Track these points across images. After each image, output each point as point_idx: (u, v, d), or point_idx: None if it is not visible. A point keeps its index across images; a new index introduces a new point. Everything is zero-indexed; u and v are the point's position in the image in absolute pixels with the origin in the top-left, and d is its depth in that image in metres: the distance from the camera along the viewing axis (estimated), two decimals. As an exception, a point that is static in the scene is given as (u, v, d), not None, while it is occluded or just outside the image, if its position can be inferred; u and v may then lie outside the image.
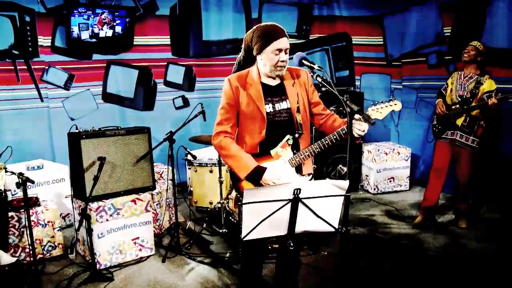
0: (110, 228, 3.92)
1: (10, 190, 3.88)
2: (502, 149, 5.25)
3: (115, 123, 5.01)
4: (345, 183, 2.06)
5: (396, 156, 6.16)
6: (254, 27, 2.63)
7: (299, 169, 2.70)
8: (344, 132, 2.55)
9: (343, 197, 2.10)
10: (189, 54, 6.44)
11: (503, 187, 5.10)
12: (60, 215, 4.58)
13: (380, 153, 6.08)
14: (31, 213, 3.80)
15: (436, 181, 4.79)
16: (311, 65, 2.55)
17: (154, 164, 4.41)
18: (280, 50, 2.54)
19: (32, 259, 3.50)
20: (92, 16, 5.69)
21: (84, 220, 3.66)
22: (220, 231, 4.54)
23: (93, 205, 3.81)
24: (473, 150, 4.53)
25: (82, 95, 5.86)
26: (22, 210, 3.92)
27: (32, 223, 3.72)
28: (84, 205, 3.69)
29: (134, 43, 6.09)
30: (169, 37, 6.30)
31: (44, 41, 5.54)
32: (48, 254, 4.10)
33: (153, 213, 4.37)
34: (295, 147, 2.68)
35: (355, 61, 7.10)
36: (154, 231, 4.34)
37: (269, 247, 3.64)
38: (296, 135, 2.66)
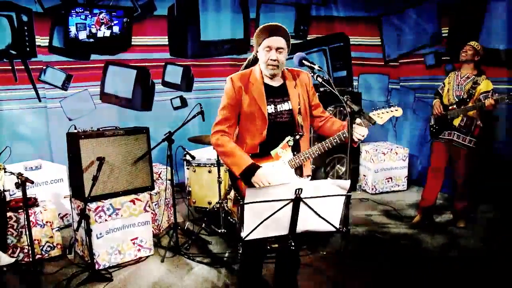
0: (109, 228, 3.91)
1: (8, 190, 3.87)
2: (498, 148, 5.27)
3: (113, 123, 5.00)
4: (347, 183, 2.07)
5: (394, 156, 6.17)
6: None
7: (298, 171, 2.71)
8: (344, 136, 2.56)
9: (344, 197, 2.11)
10: (187, 54, 6.44)
11: (500, 187, 5.12)
12: (58, 215, 4.57)
13: (378, 153, 6.10)
14: (29, 214, 3.78)
15: (434, 181, 4.81)
16: (311, 65, 2.56)
17: (153, 164, 4.40)
18: (270, 48, 2.57)
19: (30, 259, 3.49)
20: (90, 16, 5.68)
21: (83, 220, 3.65)
22: (219, 231, 4.54)
23: (92, 205, 3.81)
24: (470, 150, 4.54)
25: (80, 95, 5.85)
26: (21, 210, 3.91)
27: (31, 224, 3.70)
28: (83, 205, 3.68)
29: (132, 43, 6.08)
30: (167, 37, 6.29)
31: (41, 41, 5.52)
32: (46, 255, 4.09)
33: (151, 213, 4.37)
34: (295, 149, 2.69)
35: (352, 62, 7.11)
36: (152, 231, 4.33)
37: (269, 247, 3.65)
38: (297, 137, 2.66)
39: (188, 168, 5.16)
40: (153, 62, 6.27)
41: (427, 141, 5.06)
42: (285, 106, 2.69)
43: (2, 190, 3.64)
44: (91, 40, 5.75)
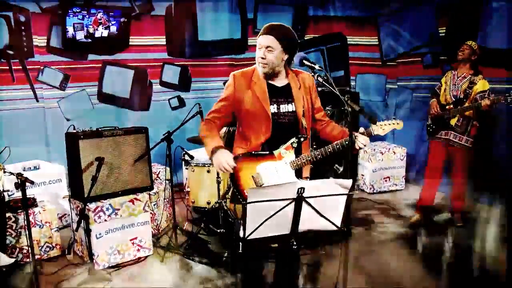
0: (108, 228, 3.91)
1: (8, 190, 3.85)
2: (496, 148, 5.30)
3: (111, 123, 4.99)
4: (349, 182, 2.07)
5: (392, 156, 6.19)
6: None
7: (298, 172, 2.72)
8: (347, 143, 2.58)
9: (346, 196, 2.12)
10: (185, 54, 6.43)
11: (498, 186, 5.15)
12: (57, 215, 4.56)
13: (375, 153, 6.11)
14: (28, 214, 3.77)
15: (431, 180, 4.83)
16: (312, 65, 2.57)
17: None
18: (260, 46, 2.61)
19: (29, 260, 3.49)
20: (87, 16, 5.67)
21: (82, 220, 3.65)
22: (218, 231, 4.54)
23: (91, 206, 3.80)
24: (467, 149, 4.57)
25: (77, 95, 5.83)
26: (20, 211, 3.91)
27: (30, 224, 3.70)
28: (82, 205, 3.68)
29: (130, 43, 6.07)
30: (164, 37, 6.28)
31: (39, 41, 5.51)
32: (45, 255, 4.09)
33: (150, 213, 4.37)
34: (297, 151, 2.70)
35: (350, 61, 7.13)
36: (152, 231, 4.33)
37: (269, 246, 3.65)
38: (302, 139, 2.67)
39: (187, 168, 5.16)
40: (150, 62, 6.26)
41: (424, 140, 5.07)
42: (288, 108, 2.70)
43: (1, 190, 3.63)
44: (89, 40, 5.73)
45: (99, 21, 5.74)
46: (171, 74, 6.40)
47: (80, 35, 5.68)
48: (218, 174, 4.53)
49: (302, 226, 2.18)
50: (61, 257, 4.15)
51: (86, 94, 5.90)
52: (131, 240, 4.05)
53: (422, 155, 6.07)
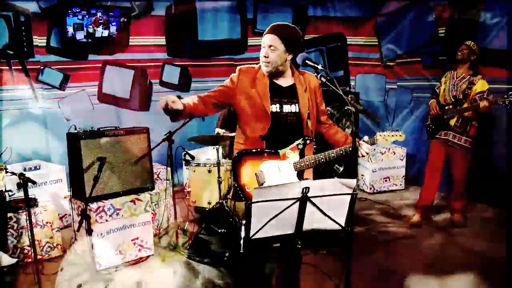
0: (109, 228, 3.91)
1: (10, 190, 3.84)
2: (495, 148, 5.32)
3: (111, 123, 5.00)
4: (353, 182, 2.08)
5: (392, 156, 6.21)
6: None
7: (300, 174, 2.72)
8: (350, 149, 2.60)
9: (350, 196, 2.12)
10: (185, 54, 6.44)
11: (498, 186, 5.17)
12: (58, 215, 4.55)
13: (375, 153, 6.12)
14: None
15: (431, 180, 4.84)
16: (315, 65, 2.57)
17: (152, 164, 4.40)
18: (264, 45, 2.63)
19: (30, 260, 3.49)
20: (87, 16, 5.66)
21: (84, 220, 3.64)
22: (219, 231, 4.54)
23: (93, 206, 3.80)
24: (466, 149, 4.58)
25: (77, 95, 5.83)
26: (21, 211, 3.90)
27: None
28: (84, 205, 3.67)
29: (130, 43, 6.08)
30: (164, 37, 6.29)
31: (39, 41, 5.50)
32: (46, 255, 4.09)
33: (151, 213, 4.36)
34: (301, 152, 2.70)
35: (350, 62, 7.14)
36: (153, 231, 4.33)
37: (271, 246, 3.65)
38: (308, 141, 2.68)
39: (187, 168, 5.16)
40: (150, 62, 6.27)
41: (424, 139, 5.09)
42: (292, 108, 2.70)
43: (3, 190, 3.63)
44: (89, 40, 5.73)
45: (99, 21, 5.73)
46: (171, 74, 6.40)
47: (80, 35, 5.67)
48: (219, 174, 4.53)
49: (306, 226, 2.18)
50: (62, 257, 4.14)
51: (86, 94, 5.90)
52: (132, 240, 4.04)
53: (422, 155, 6.08)
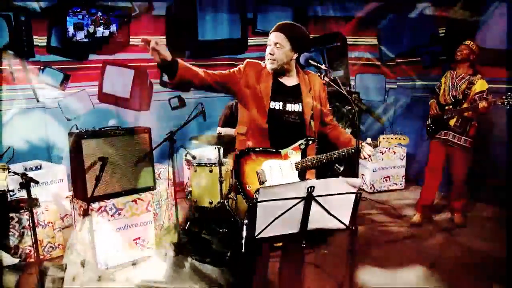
0: (111, 228, 3.90)
1: (13, 190, 3.84)
2: (494, 148, 5.34)
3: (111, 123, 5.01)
4: (358, 181, 2.09)
5: (392, 155, 6.22)
6: None
7: (302, 174, 2.73)
8: (352, 151, 2.62)
9: (354, 195, 2.13)
10: (185, 54, 6.43)
11: (498, 186, 5.18)
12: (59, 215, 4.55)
13: (376, 152, 6.13)
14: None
15: (431, 180, 4.85)
16: (318, 65, 2.58)
17: (153, 164, 4.40)
18: (270, 43, 2.65)
19: (32, 260, 3.48)
20: (87, 16, 5.66)
21: (86, 220, 3.65)
22: (221, 230, 4.54)
23: (95, 205, 3.80)
24: (466, 149, 4.60)
25: (78, 95, 5.82)
26: (22, 210, 3.90)
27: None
28: (85, 205, 3.68)
29: (130, 43, 6.07)
30: (165, 37, 6.28)
31: (39, 41, 5.49)
32: (48, 255, 4.08)
33: (153, 213, 4.36)
34: (303, 152, 2.71)
35: (349, 61, 7.15)
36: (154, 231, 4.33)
37: (273, 246, 3.66)
38: (310, 142, 2.68)
39: (189, 168, 5.16)
40: (151, 62, 6.22)
41: (424, 139, 5.10)
42: (295, 108, 2.71)
43: (6, 190, 3.62)
44: (89, 40, 5.72)
45: (99, 21, 5.72)
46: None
47: (80, 35, 5.66)
48: (220, 173, 4.53)
49: (310, 225, 2.19)
50: (63, 257, 4.14)
51: (87, 94, 5.89)
52: (134, 240, 4.05)
53: (422, 155, 6.09)
